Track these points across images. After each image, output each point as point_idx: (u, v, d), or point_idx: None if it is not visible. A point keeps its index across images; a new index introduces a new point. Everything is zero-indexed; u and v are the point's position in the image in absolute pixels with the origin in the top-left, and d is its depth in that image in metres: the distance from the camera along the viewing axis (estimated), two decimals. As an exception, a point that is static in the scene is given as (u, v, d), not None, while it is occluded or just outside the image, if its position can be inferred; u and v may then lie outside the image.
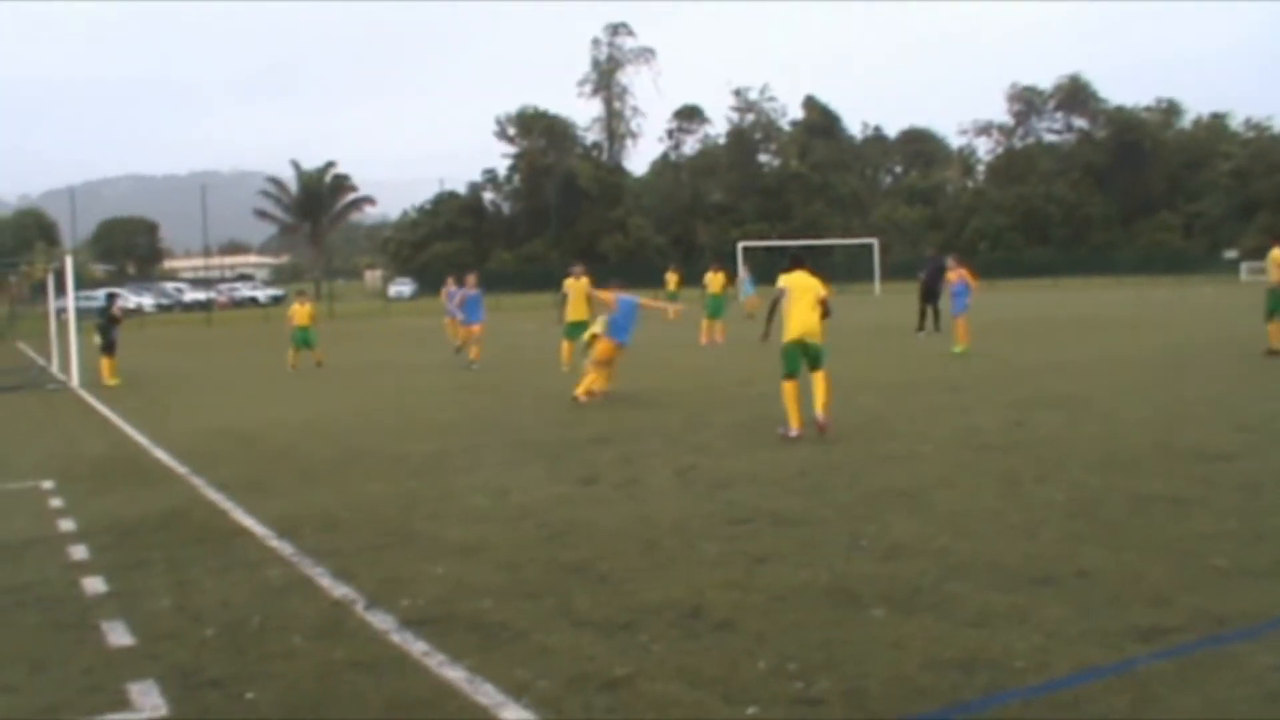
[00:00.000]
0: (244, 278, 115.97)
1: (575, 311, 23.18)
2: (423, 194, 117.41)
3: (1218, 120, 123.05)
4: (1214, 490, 9.94)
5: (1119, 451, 12.06)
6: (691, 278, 45.11)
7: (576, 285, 23.48)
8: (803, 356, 13.87)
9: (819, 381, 13.81)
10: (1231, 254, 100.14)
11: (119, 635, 6.89)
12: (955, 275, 26.99)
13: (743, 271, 48.65)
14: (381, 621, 6.97)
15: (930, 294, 32.78)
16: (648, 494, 10.75)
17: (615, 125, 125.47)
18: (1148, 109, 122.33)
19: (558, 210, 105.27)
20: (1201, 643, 6.08)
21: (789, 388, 13.80)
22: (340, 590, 7.70)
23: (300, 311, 28.45)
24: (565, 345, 23.51)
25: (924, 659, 5.96)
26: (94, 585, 8.10)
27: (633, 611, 6.97)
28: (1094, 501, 9.66)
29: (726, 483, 11.06)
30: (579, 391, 18.07)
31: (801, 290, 14.04)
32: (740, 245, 78.87)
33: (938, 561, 7.83)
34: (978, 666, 5.83)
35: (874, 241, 78.37)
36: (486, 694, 5.71)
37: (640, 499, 10.53)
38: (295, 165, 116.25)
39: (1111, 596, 6.90)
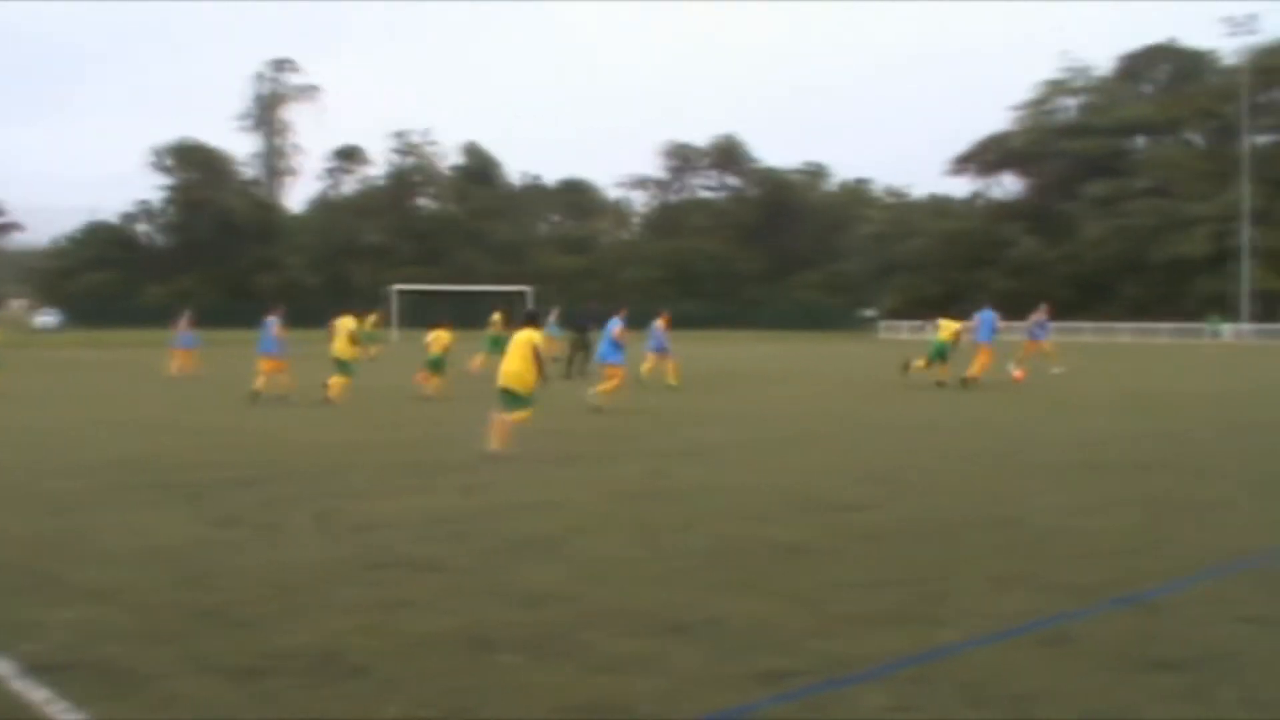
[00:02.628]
0: None
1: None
2: (74, 221, 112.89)
3: (861, 185, 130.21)
4: (842, 540, 10.34)
5: (756, 502, 12.41)
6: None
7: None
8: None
9: (495, 421, 15.86)
10: (870, 312, 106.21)
11: None
12: (663, 323, 31.56)
13: (551, 315, 48.13)
14: (1, 668, 6.52)
15: (582, 342, 33.54)
16: (286, 538, 10.41)
17: (275, 161, 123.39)
18: (797, 171, 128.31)
19: (212, 245, 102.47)
20: (823, 685, 6.28)
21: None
22: (-47, 636, 7.14)
23: None
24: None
25: (553, 705, 5.96)
26: None
27: (265, 657, 6.72)
28: (730, 551, 9.89)
29: (367, 527, 10.82)
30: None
31: (516, 343, 16.14)
32: (394, 288, 78.53)
33: (573, 609, 7.85)
34: (603, 711, 5.86)
35: (527, 289, 78.66)
36: (106, 744, 5.40)
37: (278, 543, 10.19)
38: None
39: (742, 643, 7.05)
